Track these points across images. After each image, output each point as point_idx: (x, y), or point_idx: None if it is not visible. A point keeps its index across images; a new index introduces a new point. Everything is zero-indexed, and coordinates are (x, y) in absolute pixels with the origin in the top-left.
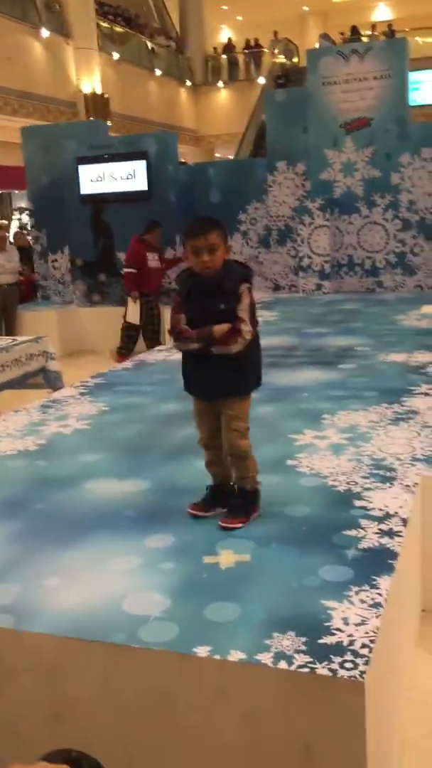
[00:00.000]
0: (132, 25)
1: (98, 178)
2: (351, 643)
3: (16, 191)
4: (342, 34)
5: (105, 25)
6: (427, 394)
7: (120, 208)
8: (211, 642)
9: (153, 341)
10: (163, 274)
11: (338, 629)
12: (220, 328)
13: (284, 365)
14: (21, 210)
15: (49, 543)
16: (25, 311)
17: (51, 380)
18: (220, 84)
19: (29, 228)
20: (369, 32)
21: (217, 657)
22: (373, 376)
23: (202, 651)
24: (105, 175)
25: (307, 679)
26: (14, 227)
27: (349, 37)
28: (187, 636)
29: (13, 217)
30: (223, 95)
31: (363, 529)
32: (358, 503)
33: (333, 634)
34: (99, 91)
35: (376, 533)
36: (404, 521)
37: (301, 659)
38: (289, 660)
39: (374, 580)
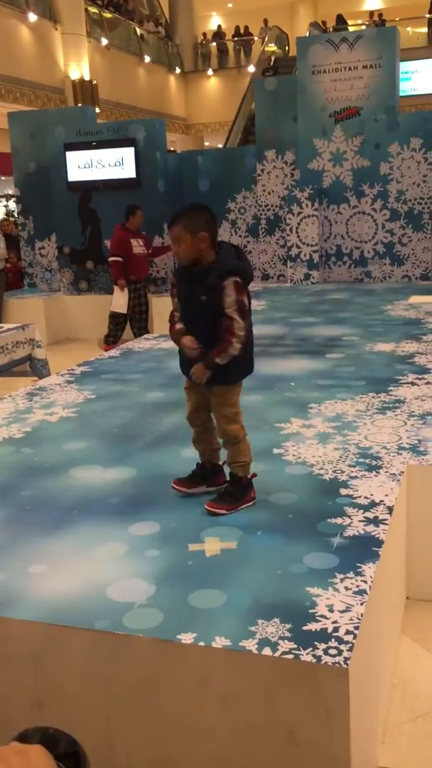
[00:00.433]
0: (121, 11)
1: (86, 165)
2: (335, 629)
3: (3, 177)
4: (324, 23)
5: (94, 10)
6: (413, 384)
7: (108, 195)
8: (196, 629)
9: (140, 330)
10: (150, 261)
11: (323, 616)
12: (215, 354)
13: (272, 354)
14: (7, 197)
15: (35, 530)
16: (11, 299)
17: (37, 368)
18: (210, 72)
19: (16, 215)
20: (359, 21)
21: (202, 644)
22: (360, 365)
23: (186, 638)
24: (93, 162)
25: (291, 665)
26: (0, 214)
27: (335, 27)
28: (172, 623)
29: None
30: (212, 83)
31: (349, 517)
32: (344, 491)
33: (318, 621)
34: (87, 78)
35: (362, 521)
36: (390, 509)
37: (285, 646)
38: (274, 647)
39: (359, 567)
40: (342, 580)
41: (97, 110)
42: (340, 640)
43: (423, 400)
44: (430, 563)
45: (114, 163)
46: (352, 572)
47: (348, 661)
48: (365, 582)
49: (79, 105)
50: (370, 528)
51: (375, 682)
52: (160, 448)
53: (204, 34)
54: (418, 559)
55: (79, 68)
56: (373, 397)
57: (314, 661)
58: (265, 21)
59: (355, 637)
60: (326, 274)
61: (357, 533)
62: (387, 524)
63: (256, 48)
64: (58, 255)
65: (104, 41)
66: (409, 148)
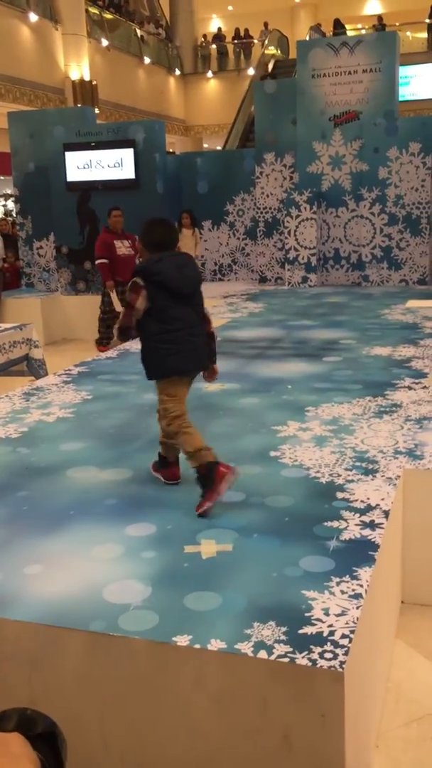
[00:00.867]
0: (121, 12)
1: (85, 166)
2: (331, 633)
3: (2, 177)
4: (319, 25)
5: (94, 11)
6: (410, 388)
7: (107, 195)
8: (191, 631)
9: (107, 337)
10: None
11: (318, 619)
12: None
13: (269, 357)
14: (6, 196)
15: (31, 530)
16: (9, 298)
17: (34, 368)
18: (210, 74)
19: (14, 214)
20: (359, 26)
21: (197, 646)
22: (357, 369)
23: (182, 640)
24: (92, 162)
25: (286, 669)
26: None
27: (333, 31)
28: (167, 625)
29: None
30: (212, 85)
31: (345, 520)
32: (340, 495)
33: (313, 625)
34: (87, 78)
35: (358, 525)
36: (386, 513)
37: (281, 649)
38: (269, 650)
39: (355, 571)
40: (338, 583)
41: (97, 111)
42: (335, 644)
43: (420, 405)
44: (425, 567)
45: (113, 164)
46: (348, 576)
47: (343, 665)
48: (361, 586)
49: (79, 105)
50: (367, 532)
51: (370, 687)
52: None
53: (204, 36)
54: (414, 563)
55: (79, 69)
56: (369, 401)
57: (310, 664)
58: (266, 24)
59: (350, 641)
60: (324, 277)
61: (353, 537)
62: (383, 528)
63: (256, 51)
64: (56, 255)
65: (104, 42)
66: (408, 153)
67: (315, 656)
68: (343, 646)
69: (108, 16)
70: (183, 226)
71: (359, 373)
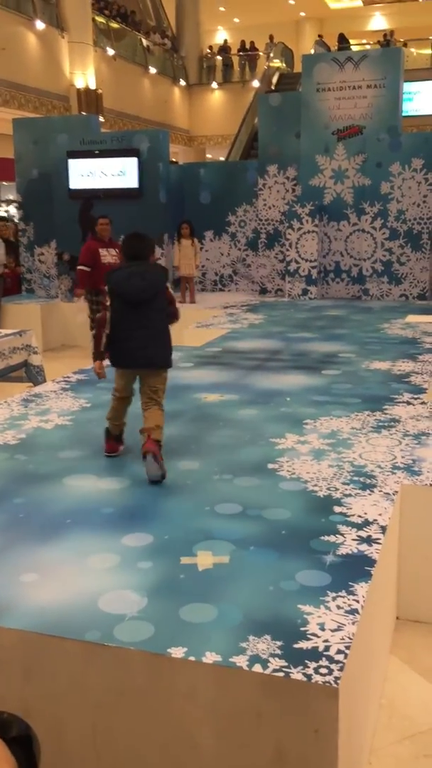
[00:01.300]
0: (128, 21)
1: (88, 174)
2: (326, 648)
3: (5, 183)
4: (320, 36)
5: (101, 20)
6: (409, 403)
7: (109, 204)
8: (186, 643)
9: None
10: None
11: (314, 634)
12: None
13: (268, 369)
14: (8, 202)
15: (27, 538)
16: (9, 304)
17: (33, 374)
18: (214, 85)
19: (17, 220)
20: (364, 41)
21: (192, 658)
22: (356, 383)
23: (176, 652)
24: (95, 170)
25: (281, 683)
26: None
27: (337, 46)
28: (163, 636)
29: (0, 208)
30: (216, 96)
31: (342, 535)
32: (337, 509)
33: (309, 639)
34: (92, 86)
35: (355, 540)
36: (383, 529)
37: (276, 663)
38: (264, 664)
39: (351, 586)
40: (334, 598)
41: (101, 119)
42: (330, 659)
43: (418, 420)
44: (420, 583)
45: (116, 173)
46: (344, 591)
47: (338, 681)
48: (357, 601)
49: (84, 113)
50: (363, 547)
51: (363, 703)
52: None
53: (210, 48)
54: (409, 580)
55: (84, 77)
56: (368, 415)
57: (304, 679)
58: (271, 37)
59: (345, 656)
60: (324, 290)
61: (350, 552)
62: (380, 544)
63: (261, 63)
64: (57, 262)
65: (110, 51)
66: (410, 169)
67: (310, 671)
68: (338, 662)
69: (114, 25)
70: (182, 237)
71: (358, 387)
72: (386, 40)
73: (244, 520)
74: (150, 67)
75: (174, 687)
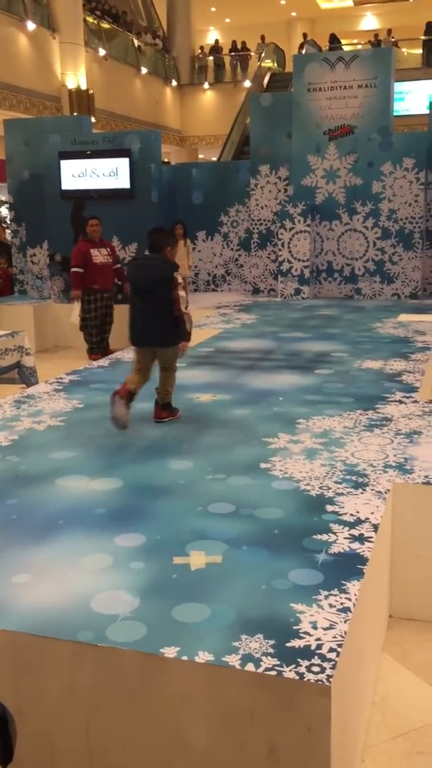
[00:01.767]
0: (119, 22)
1: (80, 174)
2: (319, 647)
3: None
4: (305, 35)
5: (92, 20)
6: (401, 402)
7: (101, 204)
8: (179, 643)
9: (97, 345)
10: (117, 268)
11: (306, 633)
12: None
13: (261, 368)
14: (0, 203)
15: (20, 539)
16: (1, 305)
17: (25, 376)
18: (206, 85)
19: (8, 221)
20: (355, 41)
21: (185, 658)
22: (348, 382)
23: (169, 652)
24: (87, 171)
25: (273, 682)
26: None
27: (329, 46)
28: (155, 636)
29: None
30: (208, 96)
31: (334, 533)
32: (330, 508)
33: (301, 638)
34: (84, 87)
35: (347, 538)
36: (375, 527)
37: (268, 662)
38: (257, 662)
39: (344, 584)
40: (326, 597)
41: (93, 120)
42: (323, 658)
43: (410, 419)
44: (413, 582)
45: (108, 173)
46: (336, 589)
47: (330, 679)
48: (349, 600)
49: (75, 114)
50: (355, 545)
51: (356, 701)
52: (147, 459)
53: (201, 48)
54: (402, 578)
55: (75, 77)
56: (360, 414)
57: (297, 678)
58: (262, 37)
59: (338, 654)
60: (317, 289)
61: (342, 550)
62: (372, 542)
63: (253, 63)
64: (50, 263)
65: (102, 51)
66: (402, 168)
67: (302, 669)
68: (330, 660)
69: (105, 25)
70: (176, 238)
71: (350, 386)
72: (377, 40)
73: (237, 519)
74: (142, 67)
75: (167, 687)
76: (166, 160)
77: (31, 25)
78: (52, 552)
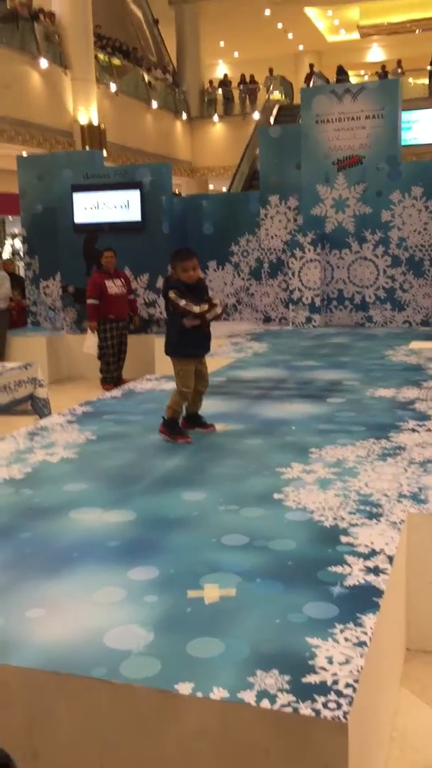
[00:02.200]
0: (130, 58)
1: (92, 207)
2: (335, 682)
3: (11, 217)
4: (311, 65)
5: (103, 57)
6: (414, 431)
7: (113, 236)
8: (194, 679)
9: (111, 376)
10: (131, 299)
11: (322, 668)
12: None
13: (273, 398)
14: (14, 236)
15: (33, 573)
16: (15, 337)
17: (39, 407)
18: (215, 118)
19: (22, 254)
20: (362, 72)
21: (200, 694)
22: (361, 410)
23: (184, 688)
24: (99, 204)
25: (290, 719)
26: (7, 253)
27: (336, 78)
28: (170, 672)
29: (6, 242)
30: (217, 129)
31: (349, 565)
32: (344, 539)
33: (317, 673)
34: (95, 122)
35: (362, 570)
36: (390, 559)
37: (284, 698)
38: (272, 699)
39: (359, 617)
40: (342, 630)
41: (105, 153)
42: (339, 693)
43: (424, 447)
44: (430, 613)
45: (120, 206)
46: (351, 623)
47: (347, 715)
48: (365, 633)
49: (87, 148)
50: (371, 577)
51: (374, 736)
52: (161, 490)
53: (210, 82)
54: (418, 609)
55: (87, 113)
56: (373, 443)
57: (313, 714)
58: (270, 70)
59: (354, 690)
60: (328, 317)
61: (357, 582)
62: (387, 574)
63: (261, 96)
64: (62, 294)
65: (113, 87)
66: (411, 197)
67: (318, 706)
68: (346, 696)
69: (116, 62)
70: None
71: (363, 414)
72: (384, 72)
73: (251, 551)
74: (152, 101)
75: (182, 724)
76: (177, 191)
77: (43, 63)
78: (65, 586)
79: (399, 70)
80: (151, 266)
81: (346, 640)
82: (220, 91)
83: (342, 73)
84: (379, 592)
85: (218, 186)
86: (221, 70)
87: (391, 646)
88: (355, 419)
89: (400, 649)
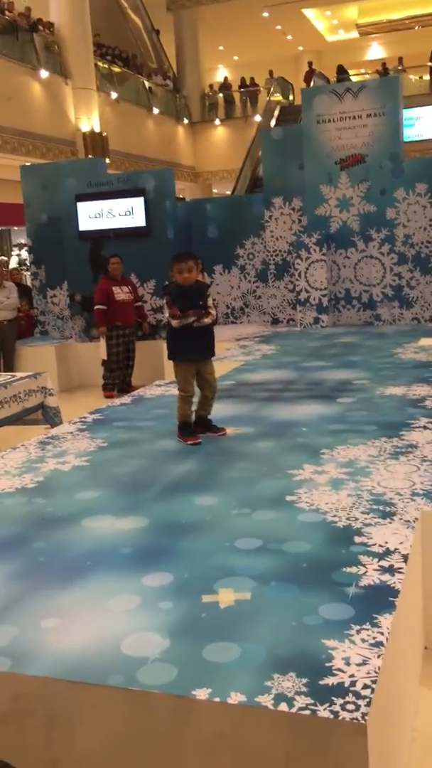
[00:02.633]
0: (130, 65)
1: (97, 215)
2: (352, 683)
3: (15, 228)
4: (311, 65)
5: (103, 65)
6: (426, 428)
7: (119, 243)
8: (211, 684)
9: (122, 383)
10: (138, 305)
11: (339, 669)
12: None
13: (283, 399)
14: (20, 246)
15: (48, 582)
16: (23, 346)
17: (49, 416)
18: (217, 122)
19: (28, 264)
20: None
21: (217, 699)
22: (371, 409)
23: (201, 693)
24: (103, 211)
25: (308, 721)
26: (13, 263)
27: (336, 77)
28: (186, 678)
29: (12, 253)
30: (219, 132)
31: (363, 565)
32: (358, 539)
33: (334, 675)
34: (97, 130)
35: (377, 570)
36: (405, 557)
37: (302, 701)
38: (290, 702)
39: (375, 618)
40: (358, 631)
41: (108, 161)
42: (357, 695)
43: None
44: None
45: (124, 213)
46: (368, 623)
47: (366, 717)
48: (382, 634)
49: (90, 157)
50: (386, 577)
51: (394, 737)
52: (173, 496)
53: (211, 86)
54: None
55: (89, 121)
56: (385, 442)
57: (331, 716)
58: (271, 72)
59: (372, 691)
60: (336, 317)
61: (372, 583)
62: (402, 573)
63: (262, 98)
64: (70, 303)
65: (114, 95)
66: (415, 193)
67: (337, 708)
68: (365, 697)
69: (116, 69)
70: None
71: (374, 413)
72: (384, 69)
73: (265, 554)
74: (153, 107)
75: (200, 729)
76: (180, 196)
77: (44, 73)
78: (79, 594)
79: (400, 67)
80: (157, 272)
81: (363, 641)
82: (220, 95)
83: (343, 73)
84: (394, 592)
85: (222, 190)
86: (221, 73)
87: (409, 645)
88: (366, 418)
89: (418, 649)
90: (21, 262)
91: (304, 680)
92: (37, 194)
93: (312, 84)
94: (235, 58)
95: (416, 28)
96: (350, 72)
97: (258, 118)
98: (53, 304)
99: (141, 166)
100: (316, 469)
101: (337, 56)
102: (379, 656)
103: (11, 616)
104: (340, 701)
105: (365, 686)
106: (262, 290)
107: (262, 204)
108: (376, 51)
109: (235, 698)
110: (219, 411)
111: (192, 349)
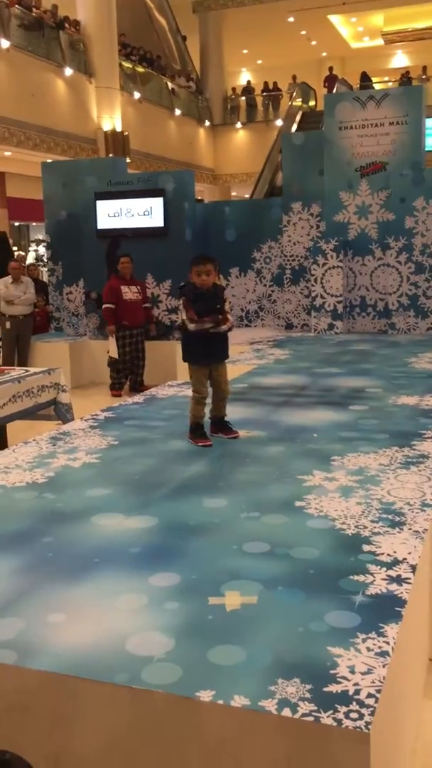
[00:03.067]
0: (153, 66)
1: (115, 214)
2: (357, 692)
3: (34, 223)
4: (331, 70)
5: (127, 65)
6: None
7: (136, 242)
8: (215, 686)
9: (134, 382)
10: (147, 307)
11: (344, 677)
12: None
13: (295, 404)
14: (38, 242)
15: (55, 578)
16: (38, 342)
17: (61, 412)
18: (238, 125)
19: (45, 260)
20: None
21: (221, 702)
22: (384, 418)
23: (205, 695)
24: (122, 210)
25: (311, 728)
26: (30, 258)
27: (360, 84)
28: (191, 679)
29: (30, 248)
30: (240, 135)
31: (371, 574)
32: (366, 548)
33: (338, 683)
34: (119, 129)
35: (384, 579)
36: (413, 568)
37: (305, 707)
38: (294, 708)
39: (381, 627)
40: (364, 640)
41: (128, 160)
42: (361, 704)
43: None
44: None
45: (143, 212)
46: (374, 632)
47: (369, 726)
48: (387, 643)
49: (111, 155)
50: (393, 587)
51: (396, 748)
52: (182, 496)
53: (233, 89)
54: None
55: (111, 120)
56: (396, 451)
57: (335, 724)
58: (294, 77)
59: (376, 700)
60: (350, 324)
61: (379, 592)
62: (410, 583)
63: (284, 103)
64: (85, 300)
65: (137, 95)
66: None
67: (340, 716)
68: (368, 706)
69: (140, 69)
70: None
71: (386, 422)
72: (408, 78)
73: (272, 559)
74: (176, 109)
75: (203, 731)
76: (199, 198)
77: (68, 71)
78: (86, 591)
79: (424, 76)
80: (174, 273)
81: (369, 650)
82: (243, 98)
83: (366, 80)
84: (401, 602)
85: (241, 193)
86: (244, 77)
87: (414, 656)
88: (378, 427)
89: (423, 660)
90: (38, 258)
91: (308, 687)
92: (57, 191)
93: (335, 90)
94: (259, 61)
95: None
96: (373, 79)
97: (279, 122)
98: (68, 300)
99: (161, 167)
100: (326, 475)
101: (360, 63)
102: (384, 666)
103: (18, 610)
104: (344, 709)
105: (369, 695)
106: (278, 294)
107: (281, 208)
108: (400, 59)
109: (239, 701)
110: (231, 414)
111: (206, 352)
